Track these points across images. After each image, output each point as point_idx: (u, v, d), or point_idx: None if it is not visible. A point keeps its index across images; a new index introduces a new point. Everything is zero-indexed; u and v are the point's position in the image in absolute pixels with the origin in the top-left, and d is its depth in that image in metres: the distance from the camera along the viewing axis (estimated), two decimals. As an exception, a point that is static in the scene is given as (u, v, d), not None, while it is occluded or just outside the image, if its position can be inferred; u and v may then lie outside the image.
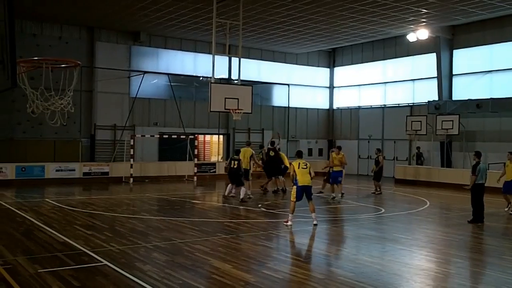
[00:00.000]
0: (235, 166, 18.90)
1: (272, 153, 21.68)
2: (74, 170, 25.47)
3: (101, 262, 9.54)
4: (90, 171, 25.88)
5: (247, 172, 19.80)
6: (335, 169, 20.31)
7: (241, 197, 18.46)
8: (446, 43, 29.35)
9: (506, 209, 17.56)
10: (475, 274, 9.24)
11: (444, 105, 28.28)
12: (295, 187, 13.92)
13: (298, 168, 13.95)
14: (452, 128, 27.21)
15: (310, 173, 13.98)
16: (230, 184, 19.35)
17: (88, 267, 9.23)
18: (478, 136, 28.07)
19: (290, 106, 34.76)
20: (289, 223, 13.73)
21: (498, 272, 9.41)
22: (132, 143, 25.98)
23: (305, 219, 15.16)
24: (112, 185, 24.70)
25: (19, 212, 15.66)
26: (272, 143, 22.38)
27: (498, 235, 13.30)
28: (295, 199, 13.82)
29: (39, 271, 8.82)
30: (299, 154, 14.90)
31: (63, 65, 17.24)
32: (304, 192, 13.87)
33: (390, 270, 9.64)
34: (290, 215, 13.83)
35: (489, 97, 26.68)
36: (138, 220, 14.66)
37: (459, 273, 9.49)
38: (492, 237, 12.90)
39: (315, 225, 13.81)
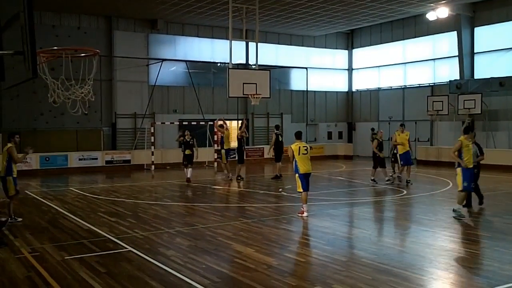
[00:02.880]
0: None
1: (280, 138, 21.74)
2: (96, 158, 25.76)
3: (126, 248, 9.67)
4: (112, 159, 26.15)
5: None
6: (400, 150, 19.18)
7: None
8: (467, 21, 28.87)
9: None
10: (501, 254, 9.17)
11: (466, 84, 27.91)
12: (297, 175, 13.03)
13: (299, 154, 12.94)
14: (474, 108, 26.86)
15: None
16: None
17: (113, 253, 9.36)
18: (501, 115, 27.67)
19: (308, 89, 34.58)
20: (305, 214, 12.88)
21: (523, 251, 9.34)
22: (152, 131, 26.10)
23: (326, 202, 15.19)
24: (134, 173, 24.94)
25: (44, 201, 15.91)
26: (277, 127, 22.42)
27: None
28: (302, 190, 12.97)
29: (65, 258, 8.98)
30: (298, 136, 13.56)
31: (82, 54, 17.34)
32: (306, 180, 13.05)
33: (413, 251, 9.61)
34: (304, 205, 13.00)
35: (512, 75, 26.27)
36: (161, 206, 14.80)
37: (484, 253, 9.43)
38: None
39: (306, 216, 12.87)
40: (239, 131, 21.85)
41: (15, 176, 12.43)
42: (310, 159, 13.10)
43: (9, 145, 12.30)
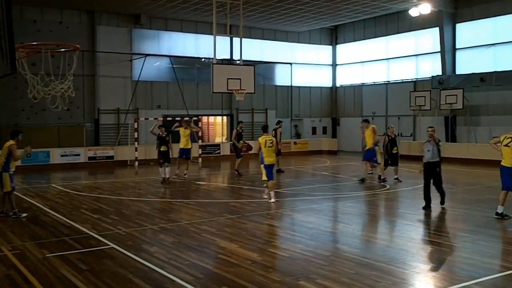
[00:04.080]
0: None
1: (278, 133, 21.77)
2: (79, 155, 25.54)
3: (108, 245, 9.60)
4: (95, 155, 25.96)
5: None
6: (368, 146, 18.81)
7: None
8: (448, 17, 29.09)
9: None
10: (482, 247, 9.25)
11: (447, 79, 28.13)
12: (263, 166, 14.35)
13: (265, 146, 14.20)
14: (456, 103, 27.14)
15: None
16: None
17: (95, 251, 9.29)
18: (482, 110, 27.95)
19: (293, 85, 34.63)
20: (272, 199, 14.15)
21: (504, 245, 9.43)
22: (136, 127, 26.00)
23: (310, 197, 15.24)
24: (117, 169, 24.78)
25: (25, 198, 15.74)
26: (278, 122, 22.43)
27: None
28: (267, 178, 14.28)
29: (47, 255, 8.89)
30: (265, 129, 15.06)
31: (62, 50, 17.17)
32: (270, 170, 14.35)
33: (395, 245, 9.68)
34: (271, 192, 14.29)
35: (493, 70, 26.51)
36: (144, 202, 14.73)
37: (465, 246, 9.51)
38: (496, 210, 12.89)
39: (273, 202, 14.10)
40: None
41: (11, 172, 12.41)
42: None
43: (12, 142, 12.32)
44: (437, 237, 10.44)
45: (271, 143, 14.29)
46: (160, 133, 18.59)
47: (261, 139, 14.41)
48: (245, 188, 17.56)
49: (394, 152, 18.19)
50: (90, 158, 25.77)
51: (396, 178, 18.26)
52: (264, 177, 14.36)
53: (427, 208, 12.88)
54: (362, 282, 7.28)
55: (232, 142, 21.33)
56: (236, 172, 20.76)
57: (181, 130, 19.89)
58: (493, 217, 11.75)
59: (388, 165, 18.32)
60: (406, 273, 7.89)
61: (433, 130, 13.20)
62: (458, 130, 29.15)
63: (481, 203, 14.01)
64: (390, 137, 18.28)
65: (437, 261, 8.63)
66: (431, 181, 12.94)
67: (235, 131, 21.43)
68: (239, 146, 20.95)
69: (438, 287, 7.30)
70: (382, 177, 18.28)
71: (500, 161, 12.07)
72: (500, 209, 11.70)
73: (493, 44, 27.66)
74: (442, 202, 13.19)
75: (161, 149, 18.51)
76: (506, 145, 12.04)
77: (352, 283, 7.23)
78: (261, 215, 12.59)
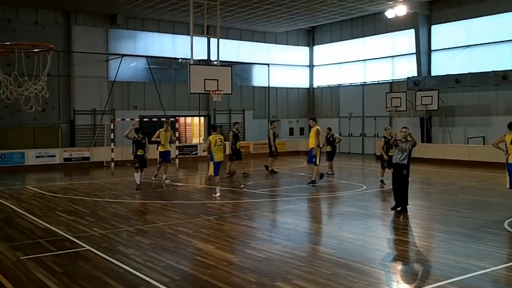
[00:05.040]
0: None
1: (277, 134, 22.06)
2: (54, 156, 25.23)
3: (83, 247, 9.50)
4: (70, 156, 25.67)
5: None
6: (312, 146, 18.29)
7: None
8: (424, 19, 29.41)
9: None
10: (456, 247, 9.37)
11: (423, 81, 28.43)
12: (212, 163, 15.46)
13: (215, 145, 15.33)
14: (431, 104, 27.46)
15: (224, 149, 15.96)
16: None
17: (70, 253, 9.19)
18: (457, 111, 28.30)
19: (270, 86, 34.71)
20: (218, 194, 15.45)
21: (478, 244, 9.55)
22: (112, 127, 25.79)
23: (288, 198, 15.28)
24: (94, 170, 24.55)
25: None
26: (271, 123, 22.60)
27: (477, 208, 13.46)
28: (214, 174, 15.54)
29: (21, 258, 8.78)
30: (214, 128, 16.29)
31: (36, 50, 16.95)
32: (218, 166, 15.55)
33: (371, 245, 9.75)
34: (217, 187, 15.61)
35: (467, 71, 26.87)
36: (120, 204, 14.61)
37: (440, 246, 9.62)
38: (471, 210, 13.07)
39: (219, 196, 15.36)
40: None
41: None
42: None
43: None
44: (413, 237, 10.54)
45: (221, 141, 15.51)
46: (136, 137, 17.53)
47: (212, 138, 15.44)
48: (222, 189, 17.50)
49: (390, 154, 16.39)
50: (65, 159, 25.48)
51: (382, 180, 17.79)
52: (212, 173, 15.58)
53: (396, 208, 12.90)
54: (338, 282, 7.32)
55: (233, 146, 20.26)
56: (229, 176, 19.90)
57: (162, 132, 19.29)
58: (467, 217, 11.91)
59: (385, 168, 17.49)
60: (381, 273, 7.95)
61: (407, 129, 13.16)
62: (433, 131, 29.48)
63: (456, 203, 14.17)
64: (386, 139, 17.22)
65: (413, 261, 8.72)
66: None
67: (231, 132, 20.69)
68: (238, 147, 20.48)
69: (413, 287, 7.37)
70: (313, 179, 17.97)
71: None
72: None
73: (468, 46, 28.02)
74: (402, 209, 12.76)
75: (138, 153, 17.43)
76: None
77: (329, 284, 7.26)
78: (238, 216, 12.58)
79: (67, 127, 28.17)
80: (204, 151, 16.90)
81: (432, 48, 29.81)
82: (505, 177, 13.12)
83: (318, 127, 18.34)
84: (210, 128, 16.05)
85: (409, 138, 12.95)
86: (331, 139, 20.90)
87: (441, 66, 29.23)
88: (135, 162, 17.51)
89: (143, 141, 17.50)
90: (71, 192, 17.12)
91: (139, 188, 17.12)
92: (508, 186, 12.82)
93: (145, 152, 17.55)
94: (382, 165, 17.90)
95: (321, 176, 18.69)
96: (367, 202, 14.99)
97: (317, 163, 18.04)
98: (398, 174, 12.84)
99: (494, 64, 25.94)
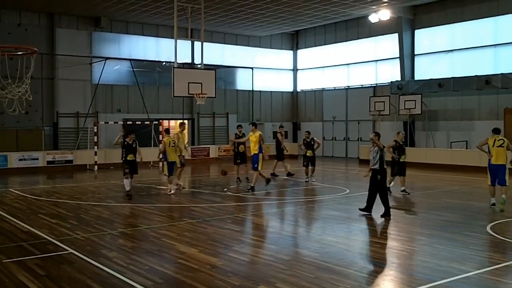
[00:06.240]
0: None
1: (280, 137, 22.36)
2: (37, 159, 25.08)
3: (67, 250, 9.46)
4: (54, 159, 25.52)
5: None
6: (252, 151, 17.72)
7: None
8: (407, 23, 29.66)
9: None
10: (438, 250, 9.46)
11: (406, 85, 28.67)
12: (166, 162, 17.06)
13: (169, 146, 16.80)
14: (414, 108, 27.65)
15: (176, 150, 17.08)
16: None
17: (53, 256, 9.14)
18: (440, 115, 28.55)
19: (254, 89, 34.74)
20: (172, 191, 16.85)
21: (461, 248, 9.66)
22: (95, 130, 25.67)
23: (271, 202, 15.32)
24: (77, 173, 24.41)
25: (-19, 203, 15.37)
26: (280, 127, 23.26)
27: (459, 212, 13.61)
28: (168, 174, 16.96)
29: (4, 261, 8.71)
30: (167, 131, 17.86)
31: (19, 52, 16.84)
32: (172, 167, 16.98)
33: (354, 249, 9.81)
34: (170, 185, 17.02)
35: (450, 76, 27.14)
36: (104, 207, 14.55)
37: (422, 250, 9.71)
38: (454, 214, 13.21)
39: (172, 193, 16.75)
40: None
41: None
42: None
43: None
44: (395, 241, 10.61)
45: (174, 143, 16.93)
46: (127, 141, 16.22)
47: (166, 140, 17.00)
48: (205, 193, 17.52)
49: (402, 160, 16.54)
50: (48, 162, 25.32)
51: (404, 190, 16.58)
52: (166, 172, 17.02)
53: (364, 210, 13.01)
54: (321, 285, 7.36)
55: (241, 151, 19.92)
56: (238, 180, 19.68)
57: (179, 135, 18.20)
58: (450, 221, 12.04)
59: (394, 175, 16.59)
60: (364, 276, 8.02)
61: (375, 135, 13.21)
62: (416, 135, 29.72)
63: (439, 207, 14.31)
64: (398, 144, 16.43)
65: (395, 265, 8.78)
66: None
67: (234, 135, 20.64)
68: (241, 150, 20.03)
69: (395, 289, 7.45)
70: (252, 185, 17.45)
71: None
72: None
73: (451, 51, 28.31)
74: (383, 214, 12.68)
75: (128, 158, 16.11)
76: (499, 146, 13.62)
77: (311, 287, 7.30)
78: (221, 219, 12.59)
79: (50, 130, 27.97)
80: (160, 152, 17.72)
81: (416, 53, 30.08)
82: (487, 179, 14.05)
83: (260, 132, 17.94)
84: (164, 131, 18.05)
85: (375, 144, 12.98)
86: (312, 143, 20.35)
87: (424, 70, 29.49)
88: (125, 168, 16.22)
89: (133, 145, 16.24)
90: (54, 195, 17.02)
91: (130, 195, 16.06)
92: (489, 183, 13.95)
93: (135, 157, 16.31)
94: (392, 172, 16.37)
95: (268, 181, 18.05)
96: (350, 206, 15.05)
97: (259, 168, 17.43)
98: (373, 179, 13.00)
99: (477, 68, 26.31)
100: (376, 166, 12.91)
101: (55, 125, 28.11)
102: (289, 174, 21.55)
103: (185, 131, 18.60)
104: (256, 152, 17.44)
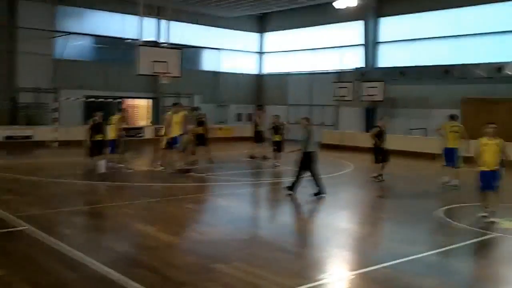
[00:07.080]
0: None
1: (257, 119, 22.15)
2: (-6, 134, 24.55)
3: (23, 226, 9.34)
4: (12, 135, 24.99)
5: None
6: (174, 132, 16.66)
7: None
8: (373, 11, 29.91)
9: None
10: (391, 233, 9.71)
11: (369, 72, 28.99)
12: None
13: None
14: (377, 95, 28.00)
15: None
16: None
17: (7, 232, 9.02)
18: (401, 103, 28.95)
19: (220, 71, 34.60)
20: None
21: (413, 231, 9.93)
22: (56, 106, 25.23)
23: (233, 183, 15.40)
24: (36, 149, 23.97)
25: None
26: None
27: (415, 197, 13.94)
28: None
29: (-45, 236, 8.59)
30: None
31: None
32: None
33: (311, 230, 9.99)
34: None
35: (412, 64, 27.56)
36: (62, 184, 14.37)
37: (376, 232, 9.95)
38: (409, 199, 13.52)
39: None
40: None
41: None
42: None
43: None
44: (349, 223, 10.85)
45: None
46: (97, 119, 15.77)
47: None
48: (168, 173, 17.45)
49: (383, 147, 16.47)
50: (7, 137, 24.79)
51: (378, 176, 16.16)
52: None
53: (287, 189, 13.13)
54: (277, 264, 7.49)
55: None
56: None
57: (173, 115, 16.82)
58: (405, 205, 12.34)
59: (379, 162, 16.36)
60: (319, 256, 8.18)
61: (305, 119, 13.49)
62: (377, 122, 30.02)
63: (396, 193, 14.64)
64: (380, 130, 16.59)
65: (351, 246, 8.97)
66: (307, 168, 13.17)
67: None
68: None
69: (349, 270, 7.62)
70: (183, 168, 16.68)
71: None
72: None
73: (413, 39, 28.71)
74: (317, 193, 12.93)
75: (97, 138, 15.72)
76: (455, 132, 14.93)
77: (267, 266, 7.41)
78: (182, 199, 12.61)
79: (8, 104, 27.33)
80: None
81: (380, 40, 30.40)
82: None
83: (185, 112, 17.20)
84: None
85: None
86: (282, 127, 20.14)
87: (387, 58, 29.86)
88: (92, 149, 15.71)
89: (104, 124, 15.91)
90: (11, 170, 16.70)
91: (104, 175, 15.45)
92: (444, 164, 15.34)
93: (105, 137, 16.02)
94: (376, 159, 16.33)
95: (187, 171, 16.66)
96: (309, 188, 15.25)
97: (183, 150, 16.88)
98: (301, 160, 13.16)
99: (437, 58, 26.77)
100: (305, 150, 13.07)
101: (14, 100, 27.47)
102: (265, 158, 21.36)
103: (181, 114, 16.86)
104: (180, 133, 16.61)
